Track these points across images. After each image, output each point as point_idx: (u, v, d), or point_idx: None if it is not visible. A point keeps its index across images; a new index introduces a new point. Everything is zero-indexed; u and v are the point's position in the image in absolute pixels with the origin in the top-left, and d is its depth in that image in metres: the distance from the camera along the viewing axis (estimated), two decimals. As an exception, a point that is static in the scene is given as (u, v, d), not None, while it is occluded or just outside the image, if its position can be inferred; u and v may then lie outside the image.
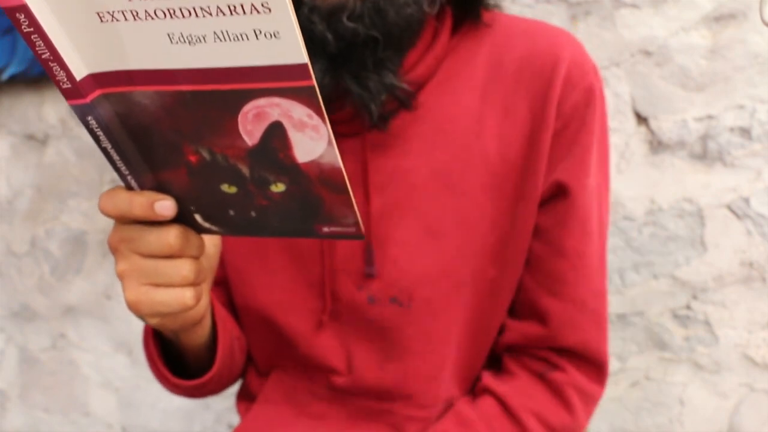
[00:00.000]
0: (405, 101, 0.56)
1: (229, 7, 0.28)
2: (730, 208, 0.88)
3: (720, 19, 0.83)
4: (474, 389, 0.64)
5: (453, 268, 0.59)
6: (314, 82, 0.31)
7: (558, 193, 0.58)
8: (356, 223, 0.41)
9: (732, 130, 0.86)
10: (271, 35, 0.29)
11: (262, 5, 0.27)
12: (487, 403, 0.60)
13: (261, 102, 0.33)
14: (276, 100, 0.33)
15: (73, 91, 0.33)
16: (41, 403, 1.32)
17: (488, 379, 0.62)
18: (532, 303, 0.60)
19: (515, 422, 0.59)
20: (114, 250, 0.44)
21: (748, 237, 0.88)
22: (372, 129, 0.57)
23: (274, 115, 0.34)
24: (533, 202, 0.58)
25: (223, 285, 0.68)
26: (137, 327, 1.16)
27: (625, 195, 0.90)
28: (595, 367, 0.61)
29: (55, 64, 0.32)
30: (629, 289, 0.93)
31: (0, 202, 1.25)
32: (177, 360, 0.62)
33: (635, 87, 0.88)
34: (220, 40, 0.29)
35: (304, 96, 0.32)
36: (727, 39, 0.83)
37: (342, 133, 0.59)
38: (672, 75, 0.86)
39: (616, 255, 0.92)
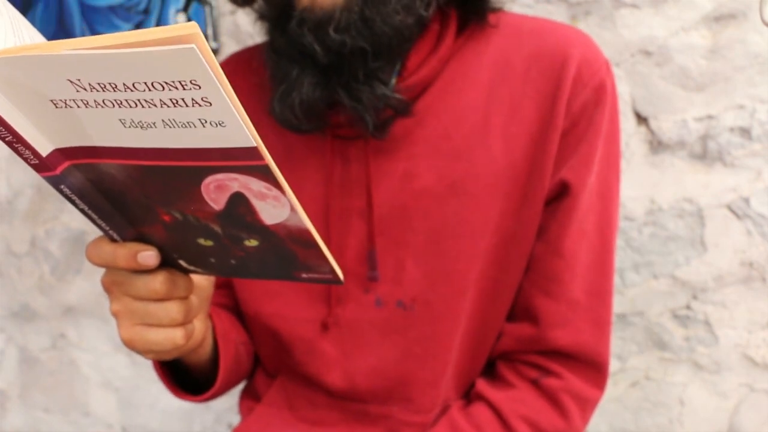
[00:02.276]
0: (400, 110, 0.55)
1: (171, 100, 0.28)
2: (730, 208, 0.88)
3: (720, 19, 0.83)
4: (469, 395, 0.64)
5: (457, 271, 0.58)
6: (267, 161, 0.32)
7: (561, 192, 0.58)
8: (332, 271, 0.42)
9: (732, 130, 0.86)
10: (216, 124, 0.29)
11: (203, 99, 0.28)
12: (479, 409, 0.60)
13: (220, 176, 0.34)
14: (233, 175, 0.33)
15: (42, 165, 0.34)
16: (41, 403, 1.32)
17: (482, 385, 0.61)
18: (527, 303, 0.60)
19: (507, 429, 0.58)
20: (107, 291, 0.46)
21: (748, 237, 0.88)
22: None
23: (234, 187, 0.34)
24: (539, 203, 0.58)
25: (229, 287, 0.69)
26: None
27: (625, 195, 0.90)
28: (594, 369, 0.60)
29: (20, 144, 0.33)
30: (629, 289, 0.93)
31: (0, 202, 1.25)
32: (185, 371, 0.63)
33: (635, 87, 0.88)
34: (170, 127, 0.30)
35: (259, 173, 0.33)
36: (727, 39, 0.83)
37: (345, 136, 0.59)
38: (672, 75, 0.86)
39: (616, 255, 0.92)
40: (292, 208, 0.36)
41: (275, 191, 0.34)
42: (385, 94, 0.54)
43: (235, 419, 1.21)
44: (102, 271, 1.28)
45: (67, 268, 1.24)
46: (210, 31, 1.02)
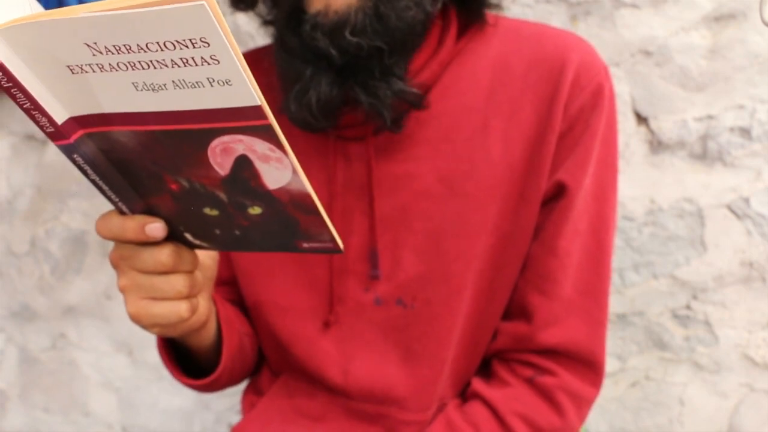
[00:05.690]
0: (416, 103, 0.56)
1: (182, 59, 0.30)
2: (730, 208, 0.88)
3: (720, 19, 0.83)
4: (464, 393, 0.64)
5: (456, 270, 0.59)
6: (270, 121, 0.33)
7: (557, 193, 0.58)
8: (333, 240, 0.44)
9: (732, 130, 0.86)
10: (223, 83, 0.31)
11: (211, 57, 0.30)
12: (475, 408, 0.60)
13: (225, 138, 0.35)
14: (239, 136, 0.35)
15: (57, 133, 0.36)
16: (41, 403, 1.32)
17: (478, 384, 0.62)
18: (522, 302, 0.60)
19: (503, 426, 0.59)
20: (115, 266, 0.47)
21: (748, 237, 0.88)
22: (379, 133, 0.57)
23: (239, 149, 0.36)
24: (535, 204, 0.58)
25: (233, 284, 0.69)
26: (137, 327, 1.16)
27: (625, 195, 0.90)
28: (588, 367, 0.60)
29: (37, 112, 0.34)
30: (629, 289, 0.93)
31: (0, 202, 1.25)
32: (189, 357, 0.63)
33: (635, 87, 0.88)
34: (180, 88, 0.32)
35: (263, 133, 0.34)
36: (727, 39, 0.83)
37: (349, 137, 0.60)
38: (672, 75, 0.86)
39: (616, 255, 0.92)
40: (294, 171, 0.37)
41: (278, 153, 0.36)
42: (401, 89, 0.54)
43: (236, 419, 1.21)
44: (105, 270, 1.28)
45: (67, 268, 1.24)
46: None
